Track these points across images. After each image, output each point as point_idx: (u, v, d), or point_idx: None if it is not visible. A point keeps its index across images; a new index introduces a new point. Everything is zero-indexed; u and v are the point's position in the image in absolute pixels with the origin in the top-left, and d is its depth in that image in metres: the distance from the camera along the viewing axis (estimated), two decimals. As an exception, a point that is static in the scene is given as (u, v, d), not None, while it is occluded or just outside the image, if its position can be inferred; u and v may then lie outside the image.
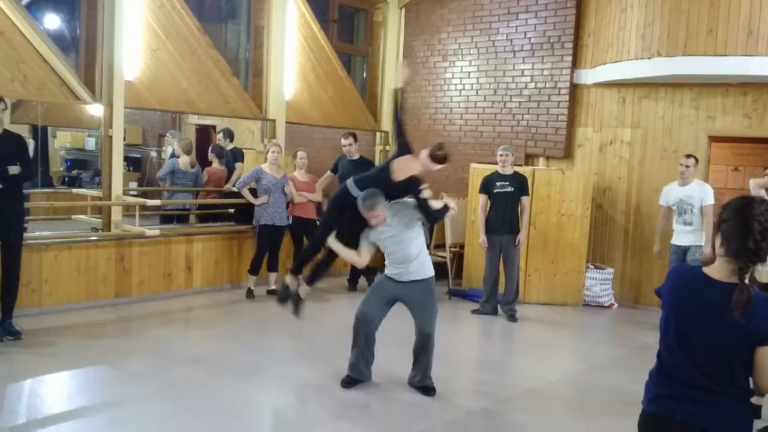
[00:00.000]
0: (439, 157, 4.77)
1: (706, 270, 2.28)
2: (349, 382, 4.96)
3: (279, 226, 7.66)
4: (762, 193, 5.21)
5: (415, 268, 4.76)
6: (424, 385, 4.89)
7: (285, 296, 5.02)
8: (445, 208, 4.79)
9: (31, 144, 5.88)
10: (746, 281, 2.18)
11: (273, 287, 7.77)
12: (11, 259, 5.67)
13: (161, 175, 8.47)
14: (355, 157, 8.13)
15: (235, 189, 7.97)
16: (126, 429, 4.12)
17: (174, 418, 4.28)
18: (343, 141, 8.18)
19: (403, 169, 4.77)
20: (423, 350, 4.85)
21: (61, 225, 7.53)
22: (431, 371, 4.93)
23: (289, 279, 5.03)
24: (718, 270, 2.25)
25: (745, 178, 9.46)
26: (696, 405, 2.24)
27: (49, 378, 4.96)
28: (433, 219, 4.79)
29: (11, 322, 5.69)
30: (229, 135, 8.98)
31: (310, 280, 5.05)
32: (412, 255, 4.73)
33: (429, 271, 4.84)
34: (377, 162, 10.07)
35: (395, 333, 5.20)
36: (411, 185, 4.70)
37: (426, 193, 4.67)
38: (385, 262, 4.90)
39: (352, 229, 4.84)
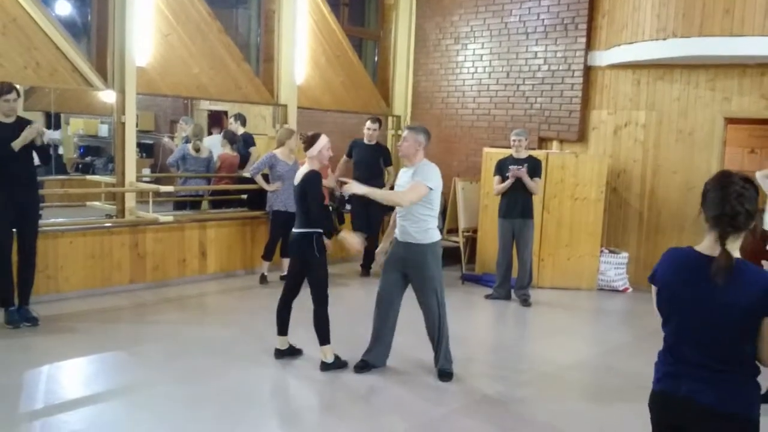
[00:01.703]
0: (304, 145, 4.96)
1: (697, 248, 2.31)
2: (362, 367, 4.97)
3: (292, 212, 7.60)
4: (761, 173, 5.10)
5: (412, 230, 4.76)
6: (439, 369, 4.90)
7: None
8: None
9: (47, 135, 5.89)
10: (727, 248, 2.21)
11: (286, 273, 7.78)
12: (27, 246, 5.72)
13: (171, 161, 8.48)
14: (374, 142, 8.15)
15: (248, 175, 7.98)
16: (142, 413, 4.16)
17: (189, 403, 4.32)
18: (369, 125, 8.19)
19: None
20: (429, 327, 4.86)
21: (76, 212, 7.57)
22: (448, 353, 4.91)
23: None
24: (708, 246, 2.29)
25: (762, 160, 9.36)
26: (699, 383, 2.26)
27: (66, 363, 5.01)
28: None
29: (28, 308, 5.75)
30: (241, 120, 8.97)
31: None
32: (407, 209, 4.73)
33: (423, 239, 4.78)
34: (390, 147, 10.08)
35: (413, 318, 5.18)
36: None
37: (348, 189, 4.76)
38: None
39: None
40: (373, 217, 8.23)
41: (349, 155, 8.13)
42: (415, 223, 4.77)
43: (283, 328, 5.12)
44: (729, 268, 2.17)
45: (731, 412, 2.23)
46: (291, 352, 5.19)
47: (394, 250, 4.93)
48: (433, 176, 4.74)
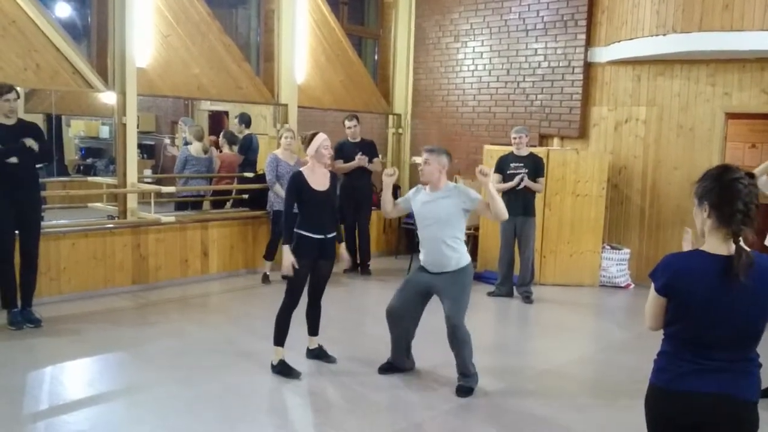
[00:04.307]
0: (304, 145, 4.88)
1: (707, 250, 2.27)
2: (386, 369, 4.92)
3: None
4: (765, 178, 5.07)
5: (453, 260, 4.57)
6: (458, 384, 4.64)
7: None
8: None
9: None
10: (741, 244, 2.21)
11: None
12: (30, 248, 5.73)
13: (177, 171, 8.53)
14: (358, 139, 8.18)
15: (249, 175, 8.00)
16: (145, 413, 4.16)
17: (192, 403, 4.32)
18: (347, 123, 8.20)
19: (319, 180, 4.80)
20: (452, 342, 4.60)
21: (78, 213, 7.59)
22: (472, 369, 4.66)
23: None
24: (716, 246, 2.26)
25: (763, 154, 9.34)
26: (731, 377, 2.26)
27: (70, 364, 5.03)
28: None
29: (31, 310, 5.77)
30: (245, 121, 8.92)
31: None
32: (435, 237, 4.56)
33: (461, 262, 4.62)
34: (391, 144, 10.12)
35: (425, 318, 5.11)
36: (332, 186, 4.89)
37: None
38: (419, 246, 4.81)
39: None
40: (362, 214, 8.27)
41: (338, 158, 8.03)
42: (454, 249, 4.59)
43: (310, 329, 5.14)
44: (752, 264, 2.17)
45: (754, 401, 2.30)
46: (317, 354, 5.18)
47: (423, 276, 4.71)
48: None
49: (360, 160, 8.02)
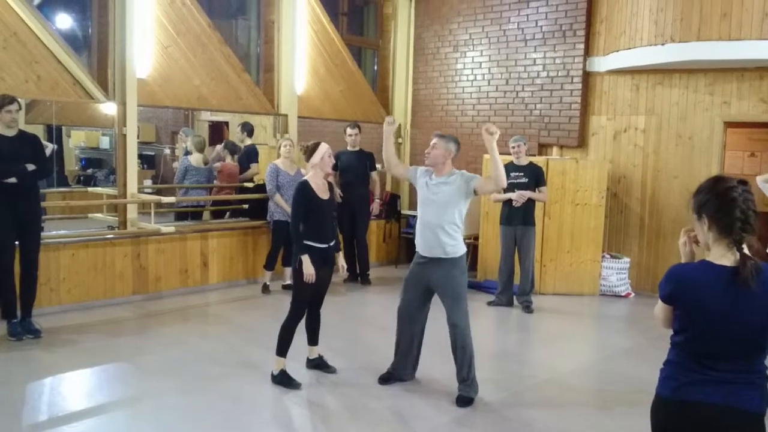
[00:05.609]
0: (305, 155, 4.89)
1: (712, 261, 2.27)
2: (386, 378, 4.91)
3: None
4: None
5: (448, 244, 4.56)
6: (459, 394, 4.62)
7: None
8: None
9: (49, 147, 5.91)
10: (745, 251, 2.21)
11: (288, 282, 7.79)
12: (30, 259, 5.74)
13: (177, 180, 8.53)
14: (357, 148, 8.19)
15: (249, 185, 7.99)
16: (146, 424, 4.15)
17: (193, 414, 4.32)
18: (348, 131, 8.24)
19: (322, 189, 4.84)
20: (455, 346, 4.61)
21: (78, 224, 7.58)
22: (473, 375, 4.65)
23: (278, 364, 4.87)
24: (720, 256, 2.26)
25: (762, 163, 9.37)
26: (736, 388, 2.25)
27: (70, 375, 5.01)
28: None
29: (31, 320, 5.77)
30: (248, 130, 8.91)
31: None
32: (432, 222, 4.57)
33: (453, 253, 4.59)
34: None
35: (430, 328, 5.11)
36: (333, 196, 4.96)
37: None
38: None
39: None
40: (359, 223, 8.27)
41: (336, 168, 7.99)
42: (450, 236, 4.58)
43: (310, 338, 5.13)
44: (759, 270, 2.17)
45: (761, 413, 2.28)
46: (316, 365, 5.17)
47: (418, 266, 4.74)
48: None
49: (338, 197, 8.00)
